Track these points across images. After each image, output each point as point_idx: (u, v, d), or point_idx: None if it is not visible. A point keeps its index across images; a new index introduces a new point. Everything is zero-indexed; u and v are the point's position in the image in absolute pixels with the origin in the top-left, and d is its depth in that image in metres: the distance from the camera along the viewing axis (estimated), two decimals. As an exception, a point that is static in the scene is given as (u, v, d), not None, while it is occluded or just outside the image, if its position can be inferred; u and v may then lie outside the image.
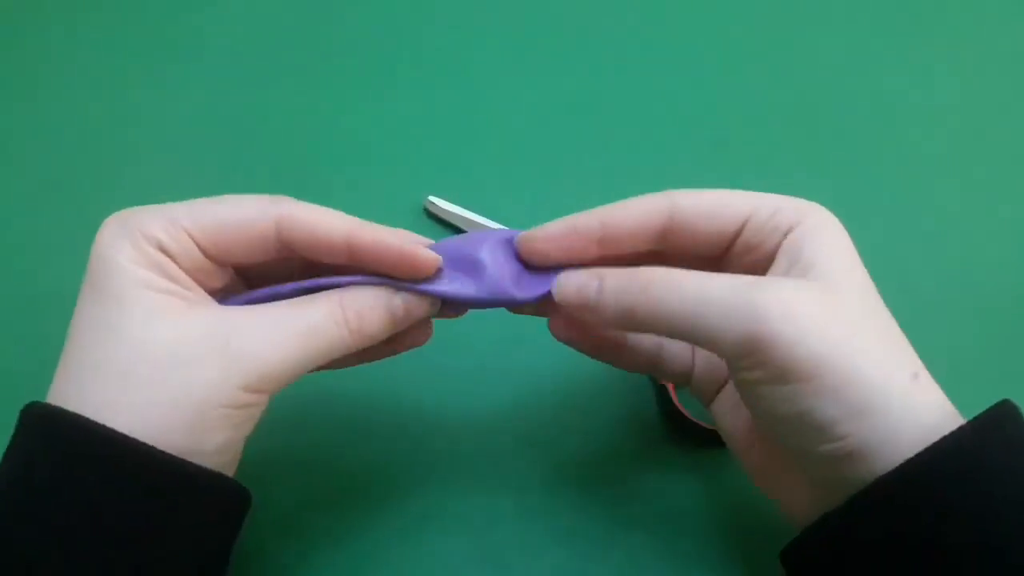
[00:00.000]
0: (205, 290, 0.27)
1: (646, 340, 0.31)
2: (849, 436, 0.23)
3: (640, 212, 0.28)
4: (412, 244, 0.27)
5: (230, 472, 0.26)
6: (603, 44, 0.51)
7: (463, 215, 0.42)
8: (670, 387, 0.36)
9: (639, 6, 0.53)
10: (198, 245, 0.26)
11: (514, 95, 0.48)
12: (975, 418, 0.24)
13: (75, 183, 0.44)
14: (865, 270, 0.27)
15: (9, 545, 0.22)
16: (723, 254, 0.28)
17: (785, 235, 0.27)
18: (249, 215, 0.26)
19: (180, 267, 0.25)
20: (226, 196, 0.27)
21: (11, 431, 0.24)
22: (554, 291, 0.28)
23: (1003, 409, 0.24)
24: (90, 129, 0.46)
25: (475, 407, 0.37)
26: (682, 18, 0.52)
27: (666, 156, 0.46)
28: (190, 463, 0.24)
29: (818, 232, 0.26)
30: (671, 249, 0.29)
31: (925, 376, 0.25)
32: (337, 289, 0.26)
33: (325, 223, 0.26)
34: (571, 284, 0.27)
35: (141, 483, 0.23)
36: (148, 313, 0.24)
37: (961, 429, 0.23)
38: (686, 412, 0.35)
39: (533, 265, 0.29)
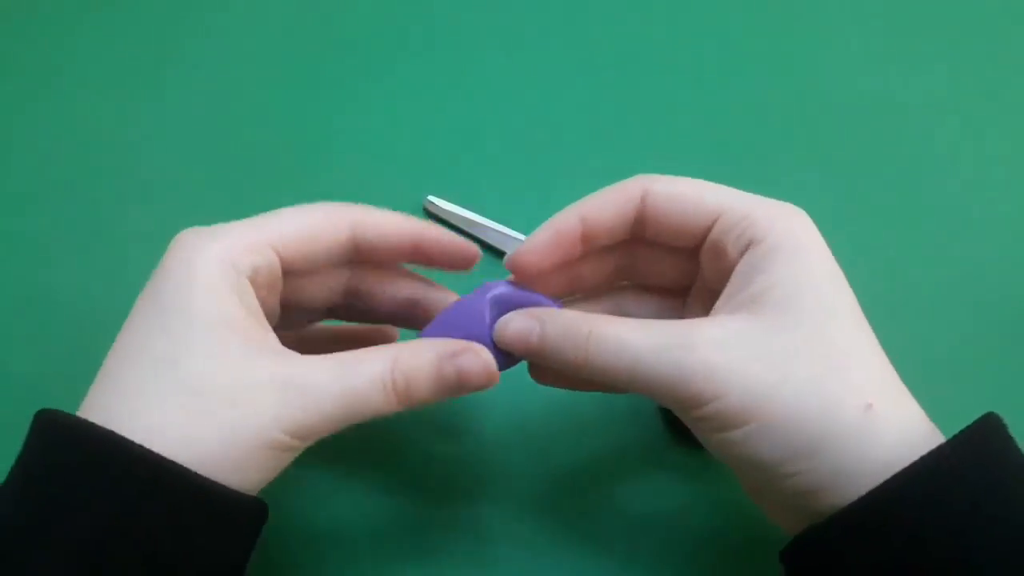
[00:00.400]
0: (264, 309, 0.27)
1: None
2: (798, 474, 0.23)
3: (615, 201, 0.28)
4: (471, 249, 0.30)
5: None
6: (602, 44, 0.51)
7: (463, 215, 0.42)
8: None
9: (639, 6, 0.53)
10: (281, 258, 0.26)
11: (514, 95, 0.48)
12: (955, 436, 0.23)
13: (76, 183, 0.44)
14: (834, 283, 0.26)
15: (30, 554, 0.22)
16: (695, 249, 0.28)
17: (747, 247, 0.26)
18: (328, 221, 0.27)
19: (257, 291, 0.26)
20: (297, 207, 0.28)
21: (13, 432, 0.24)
22: (494, 333, 0.27)
23: (986, 423, 0.24)
24: (90, 130, 0.46)
25: (473, 410, 0.37)
26: (682, 18, 0.52)
27: (666, 156, 0.46)
28: (216, 482, 0.23)
29: (777, 253, 0.25)
30: (648, 238, 0.29)
31: (888, 402, 0.24)
32: (395, 345, 0.26)
33: (395, 222, 0.28)
34: (511, 329, 0.27)
35: (167, 500, 0.23)
36: (216, 347, 0.24)
37: (935, 451, 0.23)
38: None
39: (524, 283, 0.29)
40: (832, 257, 0.26)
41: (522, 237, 0.41)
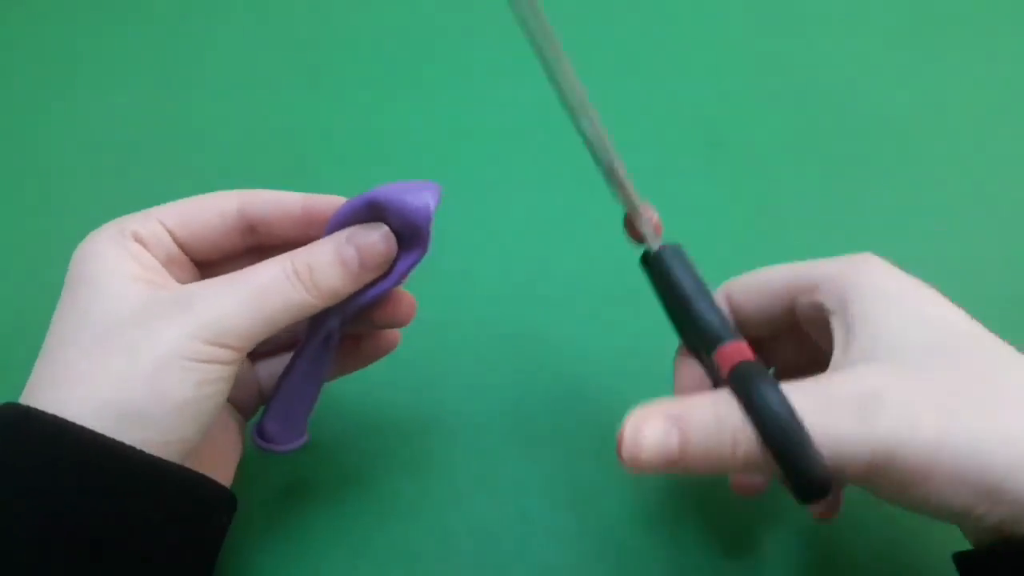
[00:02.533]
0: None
1: None
2: (988, 513, 0.22)
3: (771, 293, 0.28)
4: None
5: (216, 461, 0.27)
6: (602, 44, 0.51)
7: None
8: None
9: (639, 6, 0.53)
10: (171, 233, 0.27)
11: (512, 94, 0.48)
12: None
13: (76, 184, 0.44)
14: (943, 314, 0.24)
15: None
16: (788, 333, 0.28)
17: (835, 310, 0.25)
18: (214, 198, 0.28)
19: (154, 256, 0.26)
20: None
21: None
22: (624, 452, 0.22)
23: None
24: (90, 131, 0.46)
25: (481, 405, 0.37)
26: (682, 18, 0.52)
27: (666, 156, 0.46)
28: (168, 461, 0.24)
29: (868, 304, 0.24)
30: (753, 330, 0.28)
31: None
32: (290, 251, 0.26)
33: (283, 194, 0.28)
34: (647, 443, 0.22)
35: (115, 482, 0.23)
36: (118, 292, 0.24)
37: None
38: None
39: None
40: (929, 291, 0.25)
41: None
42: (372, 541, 0.33)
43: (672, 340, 0.31)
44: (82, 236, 0.27)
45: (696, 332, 0.24)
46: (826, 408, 0.21)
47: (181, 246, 0.28)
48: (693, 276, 0.26)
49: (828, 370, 0.24)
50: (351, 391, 0.36)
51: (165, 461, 0.24)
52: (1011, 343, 0.39)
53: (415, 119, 0.47)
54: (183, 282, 0.27)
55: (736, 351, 0.23)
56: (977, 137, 0.47)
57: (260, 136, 0.46)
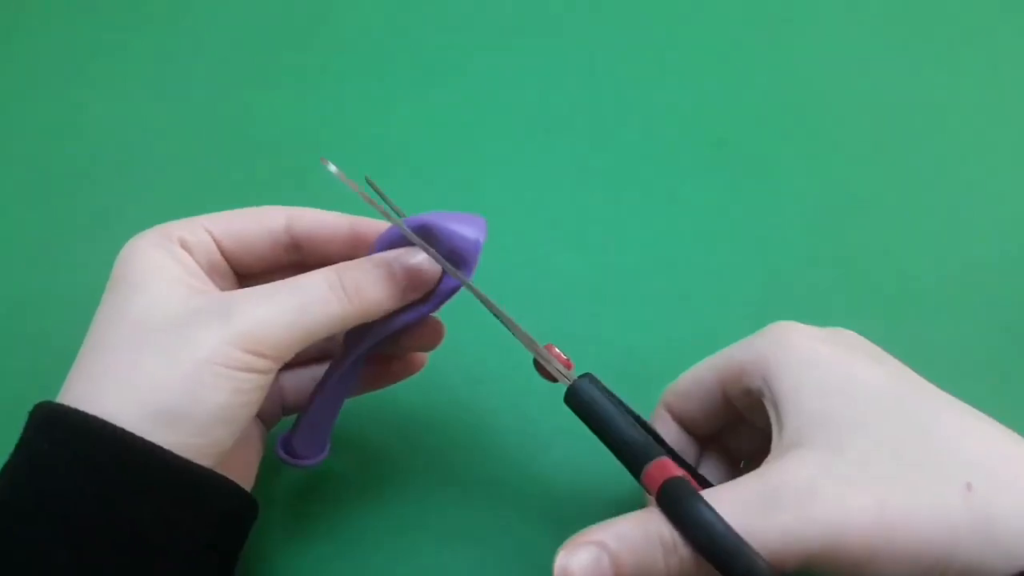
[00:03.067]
0: None
1: None
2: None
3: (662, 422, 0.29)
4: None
5: (240, 467, 0.27)
6: (603, 44, 0.51)
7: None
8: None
9: (640, 7, 0.53)
10: (217, 243, 0.27)
11: (512, 97, 0.48)
12: None
13: (76, 183, 0.44)
14: (858, 370, 0.24)
15: (18, 546, 0.22)
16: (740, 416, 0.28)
17: (763, 397, 0.25)
18: (262, 212, 0.28)
19: (197, 263, 0.26)
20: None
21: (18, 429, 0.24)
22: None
23: None
24: (91, 131, 0.46)
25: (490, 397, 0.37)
26: (684, 18, 0.52)
27: (668, 156, 0.46)
28: (200, 466, 0.24)
29: (791, 387, 0.24)
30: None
31: (986, 473, 0.22)
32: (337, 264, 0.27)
33: (331, 214, 0.29)
34: (578, 571, 0.22)
35: (147, 484, 0.23)
36: (159, 293, 0.24)
37: None
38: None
39: None
40: (848, 352, 0.25)
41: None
42: (382, 543, 0.33)
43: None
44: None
45: (623, 457, 0.25)
46: (762, 506, 0.21)
47: (226, 256, 0.28)
48: (610, 402, 0.26)
49: (768, 458, 0.24)
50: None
51: (198, 465, 0.24)
52: (1010, 342, 0.39)
53: (415, 119, 0.47)
54: (224, 291, 0.27)
55: (660, 469, 0.23)
56: (980, 137, 0.47)
57: (260, 136, 0.46)
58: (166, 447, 0.23)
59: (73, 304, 0.39)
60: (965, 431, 0.23)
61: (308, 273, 0.26)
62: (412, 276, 0.27)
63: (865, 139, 0.47)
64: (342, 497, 0.34)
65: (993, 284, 0.41)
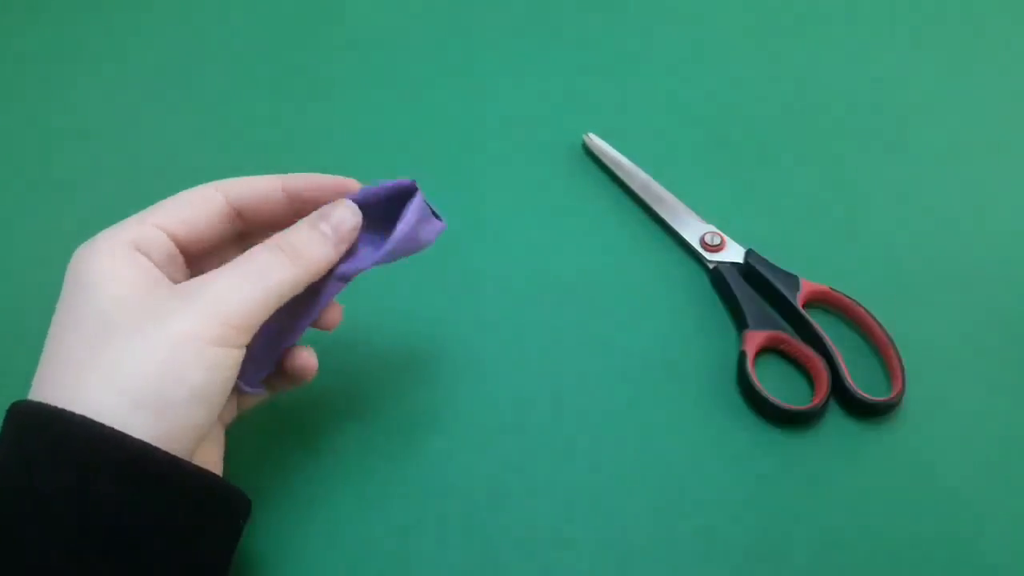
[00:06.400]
0: None
1: None
2: None
3: None
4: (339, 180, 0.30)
5: (210, 467, 0.27)
6: (605, 45, 0.51)
7: (616, 157, 0.45)
8: (749, 356, 0.36)
9: (641, 7, 0.53)
10: (172, 237, 0.28)
11: (513, 97, 0.48)
12: None
13: (76, 183, 0.44)
14: None
15: (9, 548, 0.22)
16: None
17: None
18: (199, 193, 0.29)
19: (155, 262, 0.27)
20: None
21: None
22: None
23: None
24: (91, 129, 0.46)
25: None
26: (685, 19, 0.52)
27: (670, 157, 0.46)
28: (188, 463, 0.24)
29: None
30: None
31: None
32: (274, 235, 0.28)
33: (260, 178, 0.30)
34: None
35: (140, 485, 0.23)
36: (118, 293, 0.25)
37: None
38: (760, 387, 0.35)
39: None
40: None
41: (664, 193, 0.43)
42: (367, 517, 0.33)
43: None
44: (76, 236, 0.27)
45: None
46: None
47: (179, 247, 0.28)
48: None
49: None
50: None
51: (189, 464, 0.24)
52: (1010, 343, 0.39)
53: (413, 119, 0.47)
54: (176, 280, 0.27)
55: None
56: (981, 137, 0.47)
57: (260, 136, 0.46)
58: (150, 434, 0.23)
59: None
60: None
61: (256, 247, 0.27)
62: (338, 230, 0.28)
63: (865, 139, 0.47)
64: (335, 496, 0.34)
65: (993, 284, 0.41)
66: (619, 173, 0.44)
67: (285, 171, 0.45)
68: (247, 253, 0.27)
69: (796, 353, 0.38)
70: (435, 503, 0.34)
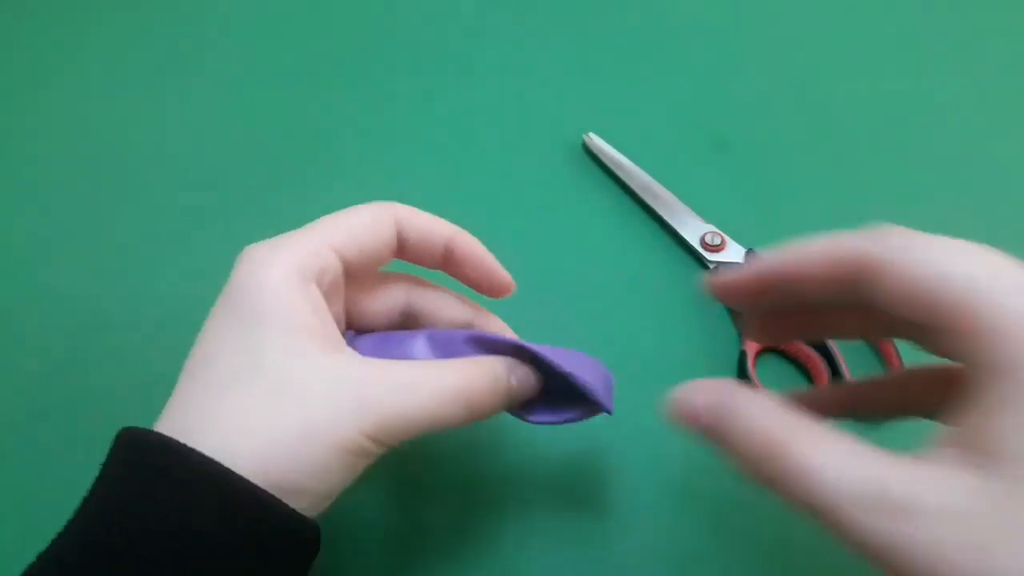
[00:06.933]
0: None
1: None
2: None
3: (822, 259, 0.23)
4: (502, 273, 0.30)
5: None
6: (605, 45, 0.51)
7: (616, 157, 0.44)
8: (750, 356, 0.36)
9: (641, 7, 0.53)
10: (342, 256, 0.27)
11: (512, 99, 0.48)
12: None
13: (77, 183, 0.44)
14: None
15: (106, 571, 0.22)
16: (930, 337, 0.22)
17: (990, 369, 0.19)
18: (376, 215, 0.28)
19: (323, 292, 0.26)
20: (343, 210, 0.28)
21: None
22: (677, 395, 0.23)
23: None
24: (91, 129, 0.46)
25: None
26: (686, 19, 0.52)
27: (671, 157, 0.46)
28: (289, 507, 0.23)
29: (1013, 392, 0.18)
30: (871, 304, 0.22)
31: None
32: (465, 364, 0.26)
33: (435, 221, 0.29)
34: (697, 400, 0.23)
35: (262, 533, 0.23)
36: (292, 347, 0.24)
37: None
38: (759, 385, 0.36)
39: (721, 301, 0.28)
40: None
41: (664, 193, 0.43)
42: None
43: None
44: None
45: None
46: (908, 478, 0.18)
47: (348, 269, 0.27)
48: None
49: (943, 437, 0.19)
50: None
51: (309, 521, 0.24)
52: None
53: (412, 119, 0.47)
54: (334, 312, 0.27)
55: None
56: (982, 137, 0.47)
57: (261, 136, 0.46)
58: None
59: (72, 305, 0.39)
60: None
61: (445, 372, 0.26)
62: (521, 396, 0.27)
63: (865, 138, 0.47)
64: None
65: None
66: (619, 173, 0.44)
67: (283, 175, 0.45)
68: (432, 371, 0.25)
69: (796, 353, 0.37)
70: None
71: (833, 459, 0.19)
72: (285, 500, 0.23)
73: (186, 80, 0.49)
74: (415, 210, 0.29)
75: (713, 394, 0.22)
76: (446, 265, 0.30)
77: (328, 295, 0.26)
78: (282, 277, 0.25)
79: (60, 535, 0.22)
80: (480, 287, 0.30)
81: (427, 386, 0.25)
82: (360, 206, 0.28)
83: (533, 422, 0.28)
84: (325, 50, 0.51)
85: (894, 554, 0.18)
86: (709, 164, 0.46)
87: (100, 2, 0.52)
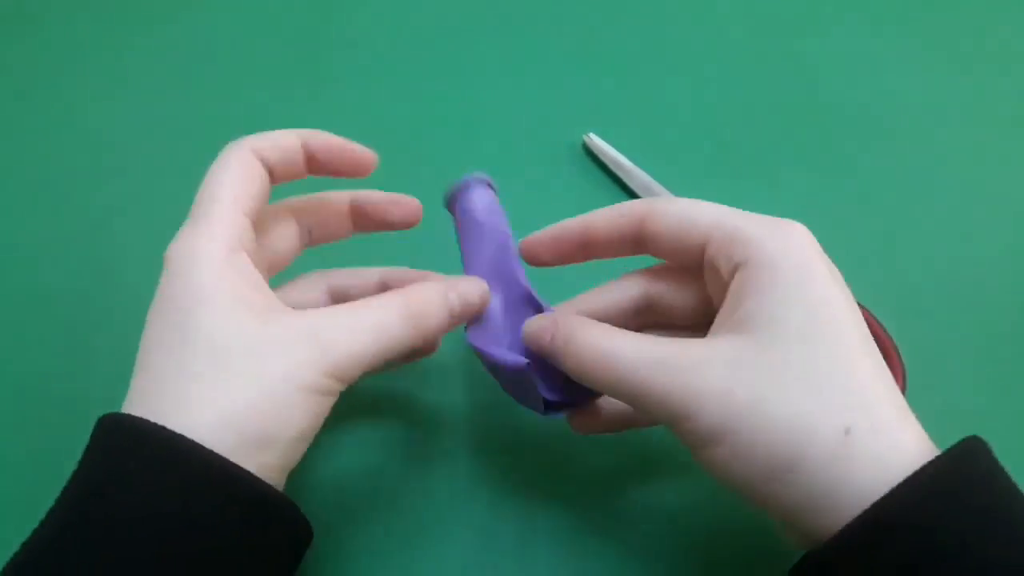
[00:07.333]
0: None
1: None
2: (774, 496, 0.23)
3: (613, 220, 0.29)
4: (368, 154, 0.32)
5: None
6: (605, 45, 0.51)
7: (615, 156, 0.44)
8: None
9: (641, 8, 0.53)
10: (250, 215, 0.28)
11: (513, 99, 0.48)
12: (940, 456, 0.23)
13: (76, 183, 0.44)
14: (829, 304, 0.25)
15: (99, 565, 0.22)
16: (699, 268, 0.28)
17: (736, 269, 0.26)
18: (241, 158, 0.29)
19: (249, 257, 0.27)
20: (213, 165, 0.29)
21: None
22: (521, 333, 0.29)
23: (969, 447, 0.23)
24: (91, 129, 0.46)
25: (467, 401, 0.37)
26: (686, 20, 0.52)
27: (671, 158, 0.46)
28: (280, 493, 0.24)
29: (765, 272, 0.25)
30: (656, 256, 0.29)
31: (873, 427, 0.23)
32: (401, 289, 0.28)
33: (283, 134, 0.30)
34: (531, 328, 0.29)
35: (237, 510, 0.23)
36: (230, 316, 0.25)
37: (919, 473, 0.22)
38: None
39: (533, 263, 0.31)
40: (832, 275, 0.26)
41: (665, 193, 0.44)
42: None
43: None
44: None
45: None
46: (674, 363, 0.25)
47: (253, 224, 0.28)
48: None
49: (712, 328, 0.26)
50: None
51: (278, 492, 0.24)
52: (1010, 342, 0.39)
53: (412, 119, 0.47)
54: (257, 262, 0.27)
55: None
56: (983, 137, 0.47)
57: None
58: (251, 469, 0.23)
59: (72, 305, 0.39)
60: (867, 378, 0.24)
61: (383, 302, 0.27)
62: (466, 309, 0.29)
63: (865, 139, 0.47)
64: (339, 491, 0.34)
65: (995, 287, 0.41)
66: (619, 173, 0.44)
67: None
68: (373, 303, 0.27)
69: None
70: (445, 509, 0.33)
71: (634, 343, 0.26)
72: (258, 453, 0.24)
73: (186, 80, 0.49)
74: (263, 135, 0.30)
75: (557, 323, 0.28)
76: (316, 168, 0.31)
77: (254, 255, 0.27)
78: (203, 254, 0.26)
79: (41, 524, 0.23)
80: (345, 171, 0.31)
81: (371, 312, 0.26)
82: (220, 159, 0.29)
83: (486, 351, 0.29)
84: (324, 49, 0.51)
85: (670, 399, 0.24)
86: (709, 164, 0.46)
87: (101, 2, 0.52)
